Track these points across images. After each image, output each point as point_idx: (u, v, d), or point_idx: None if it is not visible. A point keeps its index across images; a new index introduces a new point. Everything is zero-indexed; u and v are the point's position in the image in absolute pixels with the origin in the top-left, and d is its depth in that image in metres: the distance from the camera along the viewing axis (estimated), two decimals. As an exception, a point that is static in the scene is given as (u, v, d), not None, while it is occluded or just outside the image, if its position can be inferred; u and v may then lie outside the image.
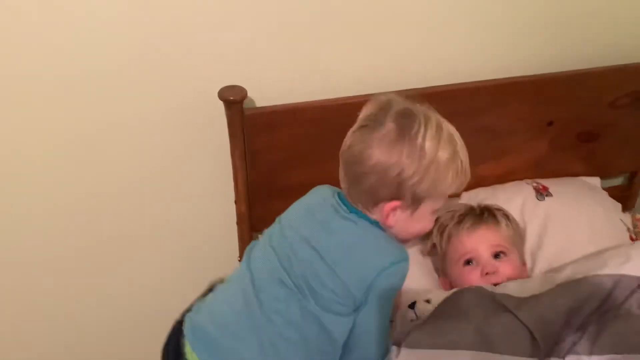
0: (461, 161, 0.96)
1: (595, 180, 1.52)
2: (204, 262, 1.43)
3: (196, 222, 1.43)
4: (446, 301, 1.02)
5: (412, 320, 1.08)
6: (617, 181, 1.71)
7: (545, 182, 1.43)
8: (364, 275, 0.92)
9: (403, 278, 0.95)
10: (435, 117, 0.95)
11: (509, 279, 1.09)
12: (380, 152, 0.91)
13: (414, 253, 1.26)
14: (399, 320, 1.11)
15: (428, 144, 0.91)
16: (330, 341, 0.93)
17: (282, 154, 1.28)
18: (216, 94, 1.16)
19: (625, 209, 1.56)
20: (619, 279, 0.89)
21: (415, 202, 0.95)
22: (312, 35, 1.24)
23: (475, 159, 1.38)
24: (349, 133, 0.98)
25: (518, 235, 1.22)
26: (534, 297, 0.93)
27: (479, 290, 1.01)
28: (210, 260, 1.44)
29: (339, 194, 1.01)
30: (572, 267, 0.98)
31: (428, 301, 1.09)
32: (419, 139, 0.90)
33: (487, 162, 1.43)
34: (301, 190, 1.31)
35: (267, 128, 1.23)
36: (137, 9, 1.13)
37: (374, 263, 0.93)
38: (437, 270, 1.23)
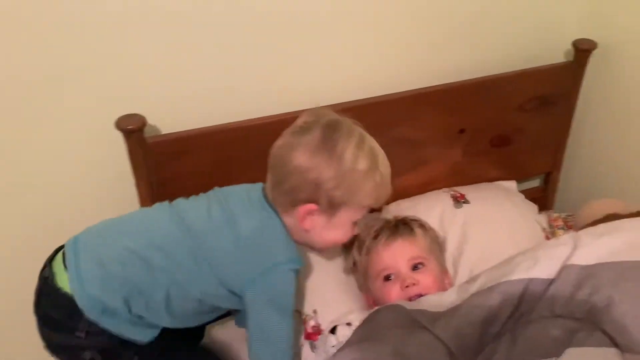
0: (381, 174, 1.02)
1: (512, 184, 1.55)
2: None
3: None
4: (364, 324, 0.99)
5: (333, 346, 1.04)
6: (534, 183, 1.75)
7: (462, 189, 1.44)
8: (259, 259, 0.98)
9: (293, 281, 0.99)
10: (359, 131, 1.02)
11: (430, 289, 1.08)
12: (303, 156, 0.98)
13: (337, 273, 1.23)
14: (321, 347, 1.07)
15: (347, 154, 0.98)
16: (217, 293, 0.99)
17: (193, 181, 1.20)
18: (113, 124, 1.09)
19: (543, 209, 1.59)
20: (528, 283, 0.88)
21: (332, 207, 1.00)
22: (217, 57, 1.19)
23: (395, 170, 1.38)
24: (282, 135, 1.03)
25: (436, 244, 1.21)
26: (450, 311, 0.92)
27: (395, 309, 0.98)
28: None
29: (263, 189, 1.07)
30: (485, 275, 0.97)
31: (349, 324, 1.07)
32: (339, 148, 0.97)
33: (407, 172, 1.42)
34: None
35: (173, 156, 1.17)
36: (26, 37, 1.05)
37: (274, 252, 0.99)
38: (360, 287, 1.20)
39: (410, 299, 1.06)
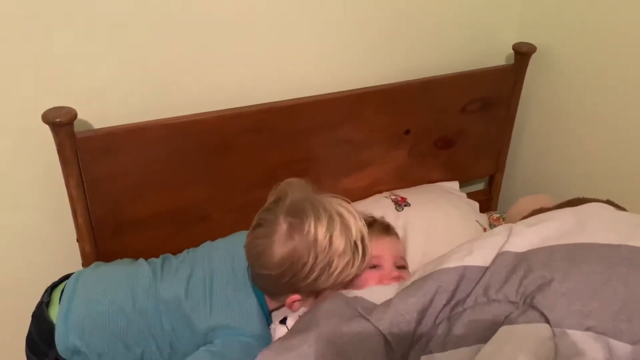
0: (357, 247, 0.99)
1: (454, 184, 1.55)
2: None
3: (35, 270, 1.25)
4: (304, 315, 0.98)
5: None
6: (479, 186, 1.77)
7: (403, 192, 1.44)
8: (223, 323, 1.00)
9: (249, 355, 0.95)
10: (324, 209, 0.97)
11: None
12: (275, 257, 0.96)
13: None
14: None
15: (320, 241, 0.94)
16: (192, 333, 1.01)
17: (128, 180, 1.16)
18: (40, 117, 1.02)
19: (487, 211, 1.61)
20: (464, 271, 0.89)
21: (315, 293, 1.01)
22: (152, 51, 1.15)
23: (338, 172, 1.38)
24: (250, 230, 1.02)
25: None
26: (386, 302, 0.91)
27: (336, 298, 0.98)
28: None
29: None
30: (421, 269, 0.97)
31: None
32: (311, 237, 0.94)
33: (351, 174, 1.41)
34: (156, 220, 1.21)
35: (106, 152, 1.11)
36: None
37: (242, 324, 1.00)
38: None
39: None
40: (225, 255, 1.09)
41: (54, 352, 0.98)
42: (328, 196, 1.02)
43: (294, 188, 1.02)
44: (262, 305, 1.04)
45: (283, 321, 1.07)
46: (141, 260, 1.12)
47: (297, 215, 0.96)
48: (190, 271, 1.06)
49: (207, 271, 1.06)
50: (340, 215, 0.98)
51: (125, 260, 1.13)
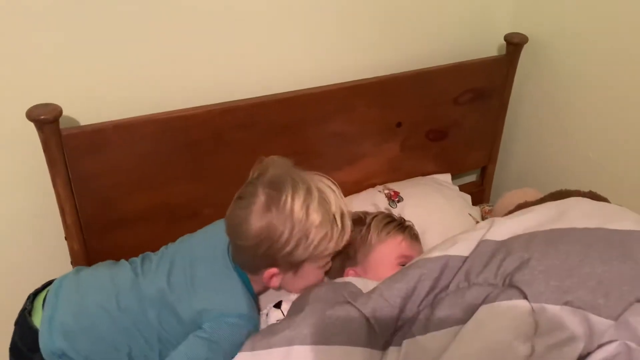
0: (336, 221, 0.99)
1: (446, 177, 1.55)
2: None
3: (22, 269, 1.23)
4: (296, 300, 1.01)
5: (278, 321, 1.03)
6: (471, 178, 1.77)
7: (396, 186, 1.43)
8: (213, 304, 0.99)
9: (237, 336, 0.97)
10: (303, 182, 0.99)
11: None
12: (252, 227, 0.97)
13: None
14: (262, 324, 1.05)
15: (297, 212, 0.95)
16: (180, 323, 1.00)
17: (117, 178, 1.14)
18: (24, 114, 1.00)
19: (479, 202, 1.61)
20: (447, 260, 0.91)
21: (294, 266, 1.01)
22: (141, 44, 1.13)
23: (330, 165, 1.37)
24: (232, 202, 1.02)
25: None
26: (374, 287, 0.93)
27: (325, 285, 1.01)
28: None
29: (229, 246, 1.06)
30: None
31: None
32: (287, 209, 0.95)
33: (343, 168, 1.40)
34: (146, 217, 1.20)
35: (93, 149, 1.09)
36: None
37: (226, 304, 0.99)
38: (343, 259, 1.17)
39: None
40: (205, 242, 1.09)
41: (38, 356, 0.96)
42: (311, 173, 1.03)
43: (276, 164, 1.03)
44: (247, 285, 1.04)
45: (278, 305, 1.07)
46: (122, 261, 1.11)
47: (276, 187, 0.98)
48: (170, 264, 1.05)
49: (187, 260, 1.05)
50: (320, 190, 1.00)
51: (107, 262, 1.12)
